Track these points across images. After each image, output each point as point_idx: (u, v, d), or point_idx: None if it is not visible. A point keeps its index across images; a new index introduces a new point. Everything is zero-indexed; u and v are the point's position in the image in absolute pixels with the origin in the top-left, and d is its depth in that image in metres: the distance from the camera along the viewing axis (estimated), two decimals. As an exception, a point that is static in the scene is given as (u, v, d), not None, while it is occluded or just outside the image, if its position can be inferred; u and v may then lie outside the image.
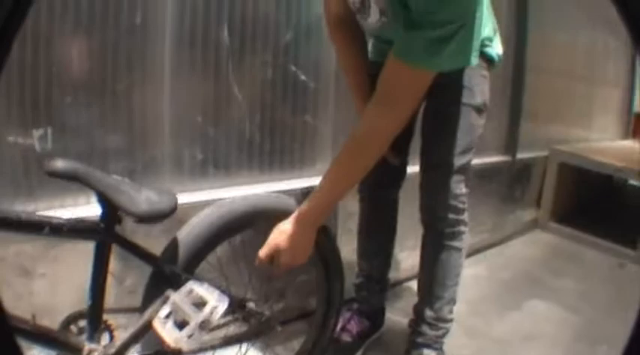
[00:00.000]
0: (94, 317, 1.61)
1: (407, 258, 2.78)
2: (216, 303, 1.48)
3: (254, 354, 2.21)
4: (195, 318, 1.46)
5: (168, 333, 1.49)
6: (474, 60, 1.63)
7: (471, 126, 1.96)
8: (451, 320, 2.17)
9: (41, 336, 1.53)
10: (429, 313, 2.13)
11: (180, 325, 1.50)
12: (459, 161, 1.96)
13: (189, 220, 1.79)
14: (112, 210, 1.58)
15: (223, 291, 1.59)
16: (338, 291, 2.13)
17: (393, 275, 2.57)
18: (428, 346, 2.16)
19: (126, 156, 2.08)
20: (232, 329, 1.92)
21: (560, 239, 3.57)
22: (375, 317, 2.45)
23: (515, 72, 3.31)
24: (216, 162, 2.23)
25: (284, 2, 2.32)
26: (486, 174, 3.17)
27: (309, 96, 2.42)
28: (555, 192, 3.65)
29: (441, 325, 2.15)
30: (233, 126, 2.25)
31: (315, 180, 2.41)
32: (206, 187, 2.23)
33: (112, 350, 1.60)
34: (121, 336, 1.63)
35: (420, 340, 2.16)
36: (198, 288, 1.54)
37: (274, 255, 1.71)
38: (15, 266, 1.90)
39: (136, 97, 2.04)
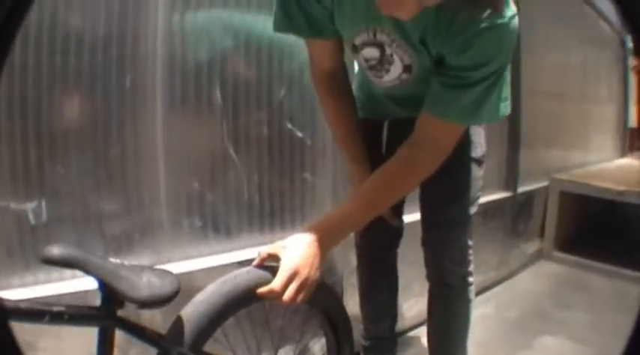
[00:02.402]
0: None
1: (413, 305, 2.72)
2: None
3: None
4: None
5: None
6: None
7: (475, 180, 1.91)
8: None
9: None
10: None
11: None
12: (465, 217, 1.92)
13: (192, 297, 1.73)
14: (112, 296, 1.53)
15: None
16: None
17: (400, 323, 2.52)
18: None
19: (123, 224, 2.03)
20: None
21: (565, 268, 3.52)
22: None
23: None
24: (216, 227, 2.18)
25: (276, 59, 2.27)
26: (489, 212, 3.12)
27: (306, 153, 2.38)
28: (558, 221, 3.61)
29: None
30: (230, 188, 2.20)
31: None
32: (207, 253, 2.18)
33: None
34: None
35: None
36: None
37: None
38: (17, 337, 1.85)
39: (130, 163, 2.00)
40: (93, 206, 1.95)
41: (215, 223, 2.17)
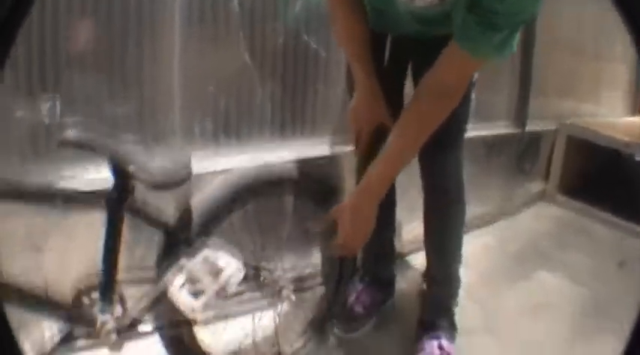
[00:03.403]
0: (107, 288, 1.59)
1: (412, 230, 2.72)
2: (232, 272, 1.46)
3: (268, 323, 2.20)
4: (211, 287, 1.44)
5: (183, 303, 1.46)
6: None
7: (470, 101, 1.98)
8: (460, 281, 2.21)
9: (53, 309, 1.50)
10: (440, 273, 2.17)
11: (195, 294, 1.48)
12: (459, 133, 2.03)
13: (202, 189, 1.75)
14: (124, 178, 1.55)
15: (238, 259, 1.55)
16: (351, 261, 2.10)
17: (398, 247, 2.56)
18: (439, 312, 2.19)
19: (136, 128, 2.05)
20: (246, 298, 1.89)
21: (567, 212, 3.49)
22: (386, 287, 2.43)
23: (524, 45, 3.23)
24: (228, 131, 2.18)
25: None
26: (495, 146, 3.12)
27: (320, 65, 2.37)
28: (563, 165, 3.57)
29: (453, 284, 2.19)
30: (244, 95, 2.20)
31: (325, 148, 2.41)
32: (218, 156, 2.19)
33: (126, 321, 1.58)
34: (134, 307, 1.59)
35: (432, 305, 2.20)
36: (213, 256, 1.51)
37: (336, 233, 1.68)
38: (25, 240, 1.87)
39: (146, 68, 2.01)
40: (107, 111, 1.97)
41: (227, 127, 2.18)
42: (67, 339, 1.63)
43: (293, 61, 2.30)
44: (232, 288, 1.43)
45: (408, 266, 2.79)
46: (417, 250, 2.75)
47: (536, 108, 3.40)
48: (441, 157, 2.03)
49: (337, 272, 2.06)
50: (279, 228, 1.97)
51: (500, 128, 3.19)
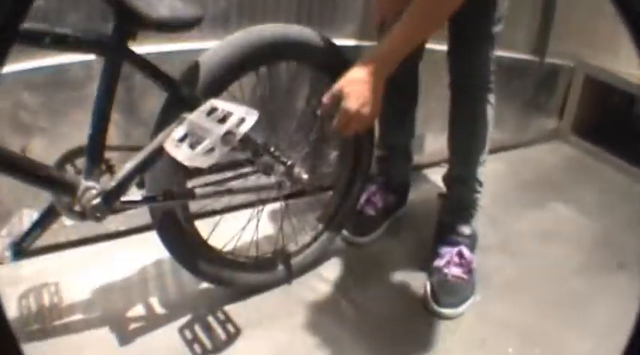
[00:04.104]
0: (95, 151, 1.35)
1: (432, 141, 2.49)
2: (244, 114, 1.20)
3: (269, 220, 1.95)
4: (218, 130, 1.18)
5: (181, 152, 1.20)
6: None
7: None
8: (482, 185, 2.01)
9: (31, 173, 1.24)
10: (464, 173, 1.97)
11: (197, 144, 1.22)
12: (495, 29, 1.79)
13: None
14: (125, 17, 1.29)
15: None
16: (366, 158, 1.85)
17: (416, 158, 2.33)
18: (460, 215, 2.00)
19: None
20: (250, 183, 1.64)
21: (580, 152, 3.26)
22: (399, 192, 2.21)
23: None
24: (241, 10, 1.91)
25: None
26: (514, 71, 2.85)
27: None
28: (578, 105, 3.32)
29: (476, 187, 1.99)
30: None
31: (347, 41, 2.13)
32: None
33: (112, 184, 1.33)
34: (124, 172, 1.34)
35: (453, 206, 2.02)
36: (221, 104, 1.25)
37: (340, 105, 1.44)
38: (12, 119, 1.65)
39: None
40: None
41: (240, 6, 1.91)
42: (45, 218, 1.40)
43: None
44: (241, 133, 1.16)
45: (424, 179, 2.58)
46: (434, 164, 2.61)
47: (555, 47, 3.12)
48: (467, 49, 1.83)
49: (351, 163, 1.82)
50: (292, 104, 1.73)
51: (519, 53, 2.92)
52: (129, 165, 1.34)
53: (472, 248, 1.98)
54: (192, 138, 1.22)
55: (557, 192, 2.72)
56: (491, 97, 1.90)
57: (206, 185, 1.52)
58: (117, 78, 1.33)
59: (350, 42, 2.12)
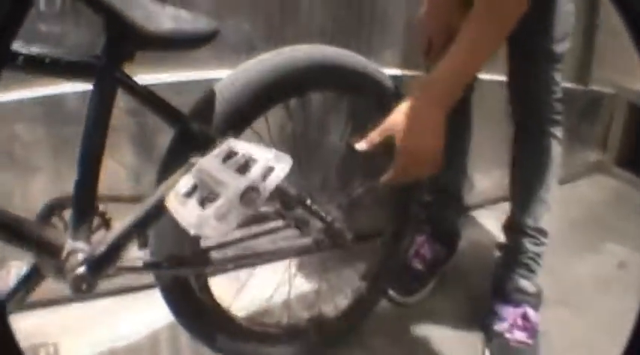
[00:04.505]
0: (83, 202, 0.99)
1: (480, 180, 2.08)
2: (272, 162, 0.80)
3: (302, 276, 1.54)
4: (236, 184, 0.78)
5: (187, 213, 0.81)
6: None
7: (565, 13, 1.46)
8: (547, 234, 1.64)
9: (10, 231, 0.88)
10: (528, 222, 1.60)
11: (209, 201, 0.83)
12: (558, 48, 1.48)
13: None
14: (117, 31, 0.92)
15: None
16: (418, 203, 1.44)
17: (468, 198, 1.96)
18: (523, 271, 1.61)
19: None
20: (281, 238, 1.24)
21: (624, 185, 2.87)
22: (449, 241, 1.81)
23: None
24: (269, 34, 1.54)
25: None
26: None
27: None
28: (622, 134, 2.95)
29: (541, 239, 1.61)
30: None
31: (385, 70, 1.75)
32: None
33: (101, 249, 0.94)
34: (119, 231, 0.96)
35: (515, 261, 1.61)
36: (242, 146, 0.87)
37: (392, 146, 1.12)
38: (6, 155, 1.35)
39: None
40: None
41: (268, 30, 1.54)
42: (30, 278, 1.02)
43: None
44: (269, 188, 0.76)
45: (472, 222, 2.18)
46: (483, 204, 2.24)
47: (596, 74, 2.75)
48: (526, 72, 1.51)
49: (400, 211, 1.42)
50: (328, 144, 1.33)
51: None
52: (122, 225, 0.95)
53: (537, 308, 1.60)
54: (203, 192, 0.84)
55: (609, 231, 2.33)
56: (558, 131, 1.56)
57: (225, 244, 1.12)
58: (109, 109, 0.96)
59: (391, 71, 1.74)
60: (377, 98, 1.24)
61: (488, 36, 1.12)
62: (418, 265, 1.69)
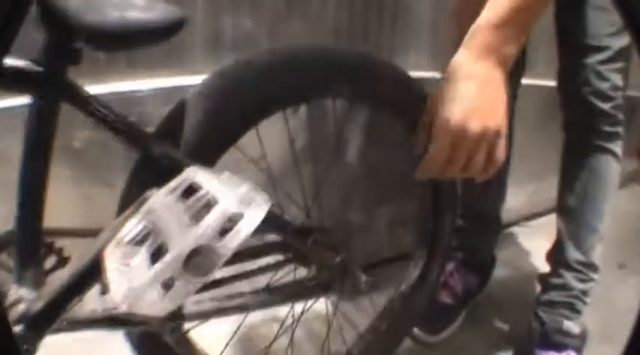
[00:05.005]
0: (27, 238, 0.73)
1: (515, 194, 1.77)
2: (241, 207, 0.51)
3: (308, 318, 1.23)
4: (182, 242, 0.49)
5: (124, 276, 0.53)
6: None
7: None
8: (598, 269, 1.32)
9: None
10: (575, 255, 1.28)
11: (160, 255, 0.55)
12: (616, 42, 1.15)
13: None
14: (55, 29, 0.66)
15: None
16: (448, 228, 1.13)
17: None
18: (567, 311, 1.30)
19: None
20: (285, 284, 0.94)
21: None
22: (482, 270, 1.49)
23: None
24: (273, 34, 1.25)
25: None
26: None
27: None
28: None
29: (591, 274, 1.31)
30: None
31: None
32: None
33: (39, 305, 0.68)
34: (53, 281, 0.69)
35: (559, 297, 1.30)
36: (207, 180, 0.58)
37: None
38: None
39: None
40: None
41: (271, 29, 1.26)
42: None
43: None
44: (230, 247, 0.47)
45: (506, 241, 1.82)
46: (519, 221, 1.93)
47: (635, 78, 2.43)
48: (575, 70, 1.17)
49: (427, 239, 1.11)
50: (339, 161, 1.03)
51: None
52: (62, 277, 0.68)
53: (581, 350, 1.31)
54: (154, 242, 0.55)
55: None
56: (617, 146, 1.25)
57: (205, 288, 0.83)
58: (51, 126, 0.69)
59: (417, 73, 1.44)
60: (400, 106, 0.93)
61: None
62: (447, 298, 1.37)
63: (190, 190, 0.58)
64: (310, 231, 0.87)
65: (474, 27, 0.77)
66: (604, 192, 1.26)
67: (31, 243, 0.73)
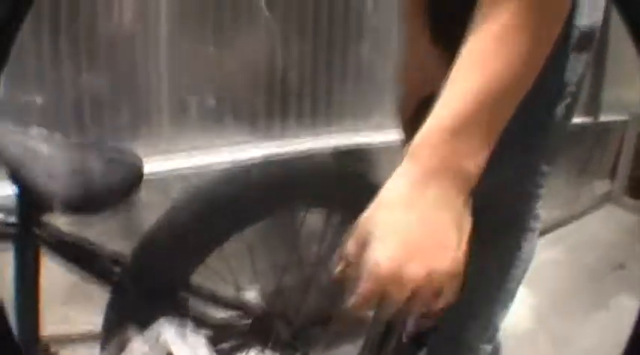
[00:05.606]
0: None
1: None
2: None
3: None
4: None
5: None
6: None
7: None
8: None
9: None
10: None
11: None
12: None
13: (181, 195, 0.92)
14: (27, 190, 0.74)
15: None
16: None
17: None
18: None
19: (107, 106, 1.24)
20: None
21: (636, 216, 2.65)
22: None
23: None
24: (236, 111, 1.34)
25: None
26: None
27: (365, 20, 1.49)
28: (633, 163, 2.76)
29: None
30: (260, 58, 1.36)
31: (370, 137, 1.53)
32: (222, 144, 1.35)
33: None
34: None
35: None
36: (176, 346, 0.67)
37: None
38: None
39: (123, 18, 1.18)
40: (67, 85, 1.20)
41: (235, 105, 1.34)
42: None
43: (327, 10, 1.43)
44: None
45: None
46: None
47: (607, 102, 2.56)
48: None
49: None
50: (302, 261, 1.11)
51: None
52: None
53: None
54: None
55: (620, 279, 2.12)
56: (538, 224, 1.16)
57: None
58: (37, 265, 0.79)
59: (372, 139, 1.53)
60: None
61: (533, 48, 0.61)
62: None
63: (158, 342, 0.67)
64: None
65: (421, 132, 0.59)
66: (517, 274, 1.18)
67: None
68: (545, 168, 1.08)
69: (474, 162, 0.58)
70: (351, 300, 0.59)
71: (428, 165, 0.57)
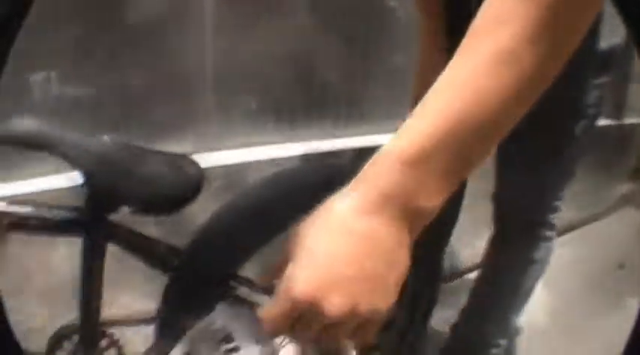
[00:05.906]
0: (88, 335, 0.97)
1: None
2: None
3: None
4: None
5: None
6: None
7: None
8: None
9: None
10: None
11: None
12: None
13: (232, 197, 1.04)
14: (99, 194, 0.88)
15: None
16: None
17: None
18: None
19: (159, 108, 1.38)
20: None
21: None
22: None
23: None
24: (278, 112, 1.46)
25: None
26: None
27: (399, 29, 1.60)
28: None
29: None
30: (300, 64, 1.47)
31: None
32: (263, 143, 1.48)
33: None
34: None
35: None
36: (240, 331, 0.79)
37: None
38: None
39: (171, 27, 1.33)
40: (117, 88, 1.33)
41: (277, 107, 1.46)
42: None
43: (364, 21, 1.55)
44: None
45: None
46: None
47: (630, 105, 2.62)
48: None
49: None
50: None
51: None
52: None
53: None
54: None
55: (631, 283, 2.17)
56: (554, 233, 1.33)
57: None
58: (102, 257, 0.91)
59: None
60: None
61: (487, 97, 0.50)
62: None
63: (226, 339, 0.79)
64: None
65: (378, 153, 0.52)
66: (532, 282, 1.38)
67: (92, 335, 0.96)
68: (563, 183, 1.21)
69: (429, 201, 0.50)
70: (264, 312, 0.53)
71: (374, 192, 0.50)
